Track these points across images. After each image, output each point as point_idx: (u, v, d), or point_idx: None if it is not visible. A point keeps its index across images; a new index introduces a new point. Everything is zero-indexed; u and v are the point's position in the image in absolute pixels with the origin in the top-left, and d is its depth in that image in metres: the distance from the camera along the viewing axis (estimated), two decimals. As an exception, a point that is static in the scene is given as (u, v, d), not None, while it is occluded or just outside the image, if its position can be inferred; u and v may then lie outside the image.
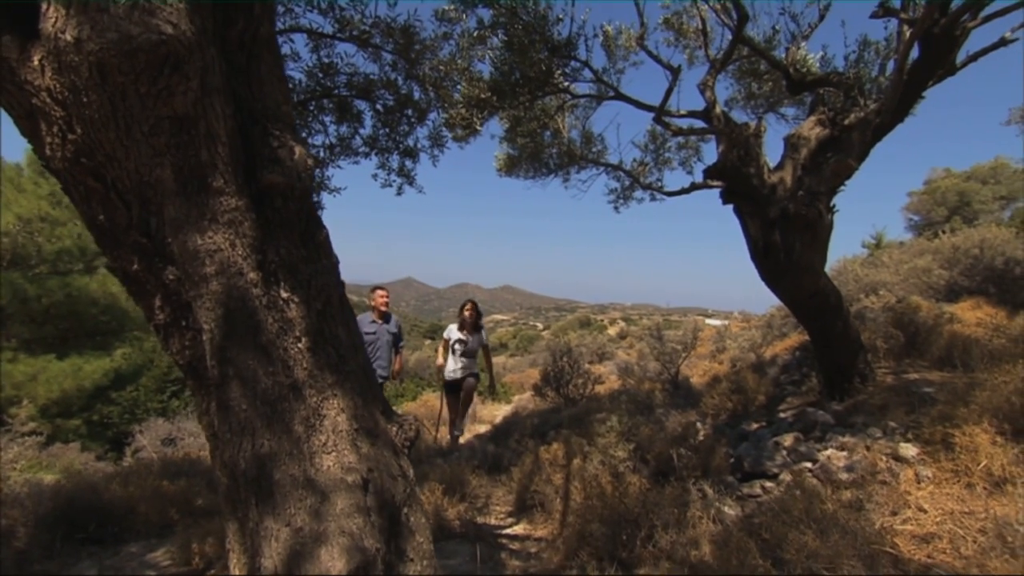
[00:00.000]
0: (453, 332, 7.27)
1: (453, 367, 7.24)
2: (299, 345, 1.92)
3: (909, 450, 4.23)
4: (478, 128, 5.10)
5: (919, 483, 3.91)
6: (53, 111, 1.39)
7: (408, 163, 5.67)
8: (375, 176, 5.58)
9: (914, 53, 4.16)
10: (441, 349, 7.40)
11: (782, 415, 6.81)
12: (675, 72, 5.05)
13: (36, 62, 1.36)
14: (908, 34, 4.69)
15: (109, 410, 16.64)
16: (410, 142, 5.56)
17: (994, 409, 4.01)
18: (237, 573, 1.85)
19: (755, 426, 6.80)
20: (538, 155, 7.95)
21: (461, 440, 7.95)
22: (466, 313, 7.29)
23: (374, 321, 6.81)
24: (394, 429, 2.27)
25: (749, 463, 5.37)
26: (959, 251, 10.11)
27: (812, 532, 2.99)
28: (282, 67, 1.92)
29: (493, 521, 5.39)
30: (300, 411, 1.88)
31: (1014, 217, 15.97)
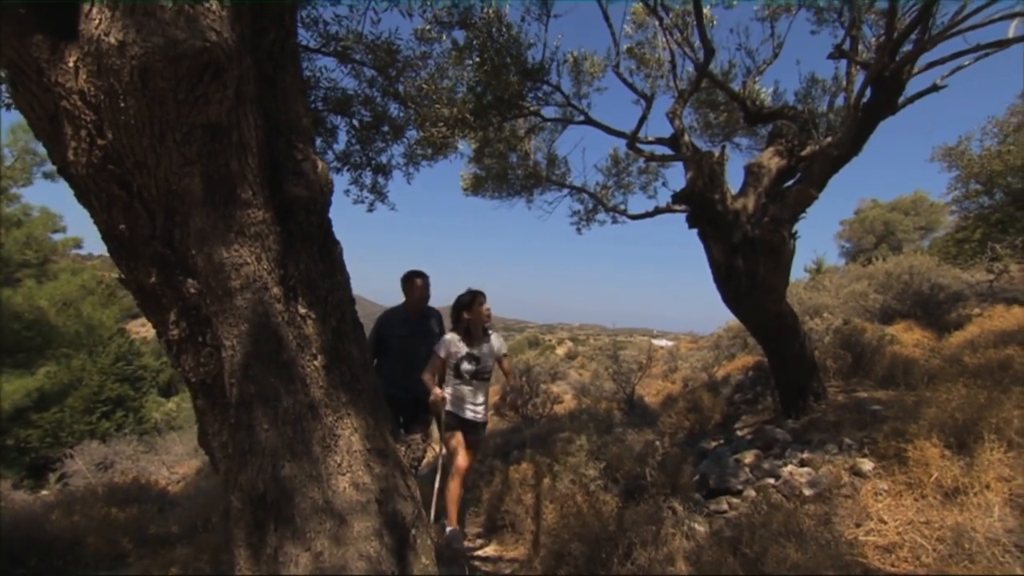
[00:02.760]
0: (456, 345, 4.50)
1: (471, 401, 4.56)
2: (315, 363, 1.89)
3: (867, 465, 4.45)
4: (457, 147, 5.13)
5: (877, 496, 4.12)
6: (83, 115, 1.33)
7: (381, 180, 5.62)
8: (347, 192, 5.50)
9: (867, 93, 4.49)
10: (432, 373, 4.43)
11: (739, 433, 7.05)
12: (648, 99, 5.26)
13: (71, 64, 1.30)
14: (858, 74, 5.08)
15: (28, 433, 15.42)
16: (384, 159, 5.51)
17: (941, 424, 4.29)
18: (247, 603, 1.76)
19: (714, 444, 7.00)
20: (504, 176, 8.04)
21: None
22: (484, 310, 4.56)
23: (407, 319, 4.75)
24: (402, 449, 2.24)
25: (714, 480, 5.51)
26: (891, 277, 10.84)
27: (793, 545, 3.10)
28: (303, 81, 1.90)
29: (464, 544, 5.30)
30: (317, 431, 1.83)
31: (932, 246, 17.23)
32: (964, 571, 2.97)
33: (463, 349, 4.51)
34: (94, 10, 1.25)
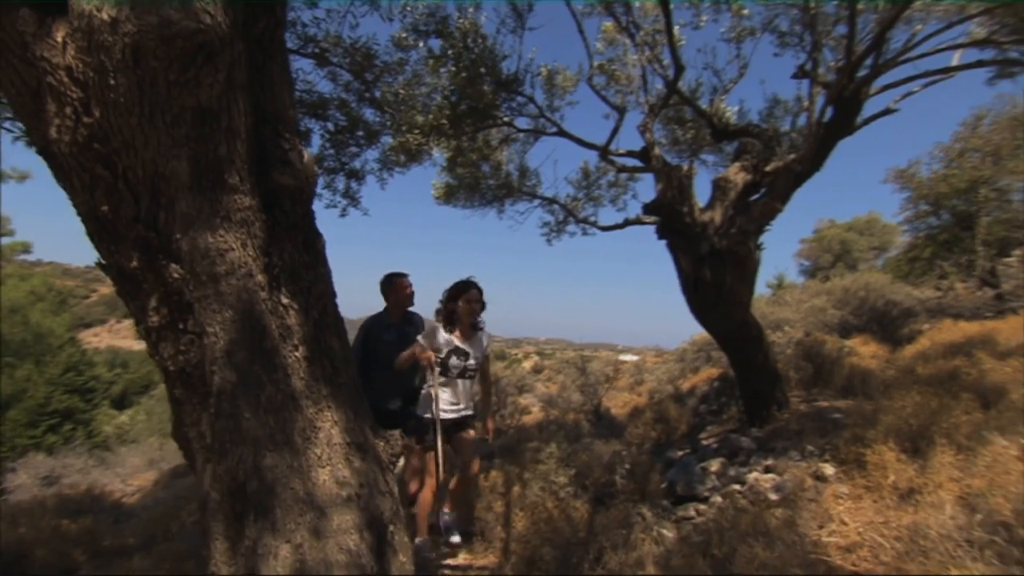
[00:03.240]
0: (441, 336, 4.01)
1: (451, 399, 4.09)
2: (296, 354, 1.88)
3: (828, 469, 4.60)
4: (432, 153, 5.16)
5: (838, 499, 4.26)
6: (70, 91, 1.31)
7: (354, 185, 5.60)
8: (319, 196, 5.46)
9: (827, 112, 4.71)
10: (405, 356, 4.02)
11: (705, 442, 7.17)
12: (621, 111, 5.40)
13: (59, 39, 1.28)
14: (819, 94, 5.32)
15: (-39, 447, 14.62)
16: (357, 164, 5.50)
17: (896, 430, 4.47)
18: (222, 597, 1.72)
19: (680, 453, 7.10)
20: (477, 186, 8.10)
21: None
22: (470, 305, 4.06)
23: (392, 325, 4.48)
24: (381, 444, 2.23)
25: (681, 487, 5.59)
26: (848, 292, 11.26)
27: (760, 544, 3.18)
28: (290, 73, 1.91)
29: (432, 553, 5.23)
30: (298, 423, 1.82)
31: (886, 265, 17.98)
32: (919, 567, 3.09)
33: (452, 342, 3.99)
34: (86, -14, 1.24)
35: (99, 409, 25.60)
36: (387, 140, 5.60)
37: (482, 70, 5.93)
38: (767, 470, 5.26)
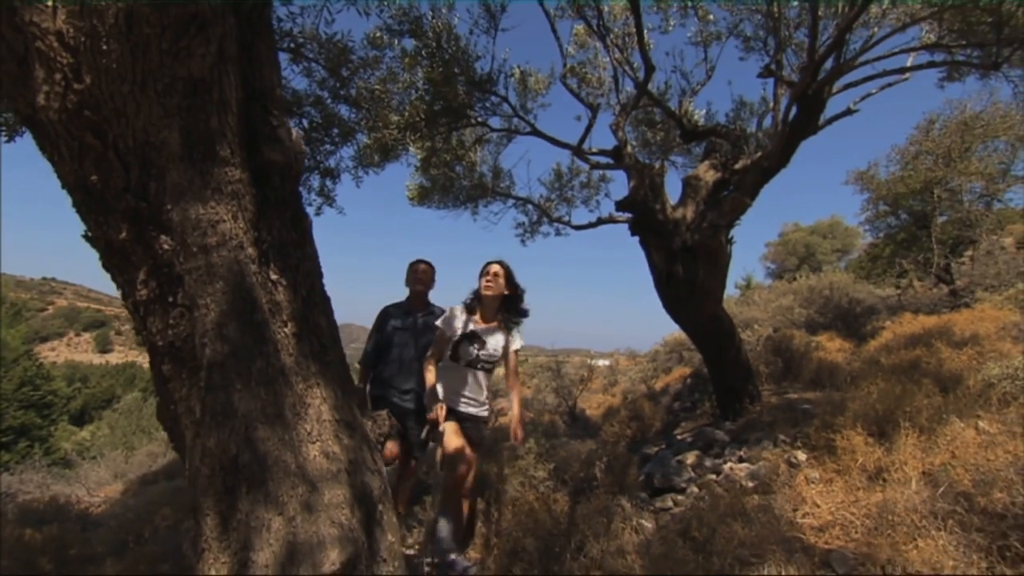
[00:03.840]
0: (459, 319, 3.51)
1: (469, 392, 3.53)
2: (285, 330, 1.88)
3: (800, 456, 4.73)
4: (409, 148, 5.17)
5: (810, 483, 4.39)
6: (60, 57, 1.31)
7: (329, 183, 5.58)
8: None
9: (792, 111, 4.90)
10: (433, 360, 3.49)
11: (680, 437, 7.30)
12: (594, 109, 5.50)
13: (49, 2, 1.28)
14: (784, 94, 5.52)
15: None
16: (332, 162, 5.48)
17: (864, 416, 4.64)
18: (213, 574, 1.70)
19: (655, 449, 7.22)
20: (451, 187, 8.13)
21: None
22: (485, 280, 3.53)
23: (408, 312, 4.22)
24: (369, 424, 2.24)
25: (659, 479, 5.67)
26: (814, 292, 11.60)
27: (739, 523, 3.27)
28: (277, 53, 1.92)
29: (412, 551, 5.21)
30: (288, 397, 1.82)
31: (849, 267, 18.56)
32: (887, 539, 3.21)
33: (467, 325, 3.46)
34: (80, -50, 1.25)
35: (57, 425, 24.66)
36: (362, 139, 5.58)
37: (456, 70, 5.98)
38: (741, 460, 5.39)
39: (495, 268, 3.53)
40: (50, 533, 4.50)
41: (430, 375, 3.39)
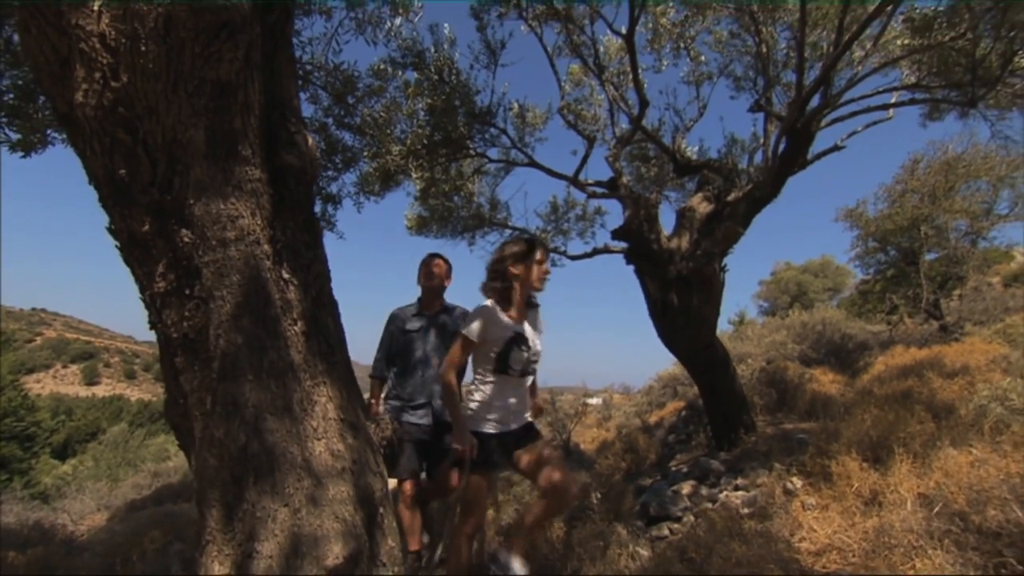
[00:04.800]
0: (499, 317, 2.77)
1: (521, 405, 2.91)
2: (295, 328, 1.94)
3: (796, 483, 4.73)
4: (411, 174, 5.31)
5: (806, 509, 4.38)
6: (100, 57, 1.41)
7: (330, 209, 5.69)
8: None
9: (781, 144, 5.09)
10: (455, 368, 2.75)
11: (675, 468, 7.26)
12: (590, 140, 5.69)
13: (95, 7, 1.38)
14: (774, 130, 5.74)
15: None
16: (334, 188, 5.61)
17: (858, 441, 4.67)
18: (216, 566, 1.71)
19: (650, 481, 7.17)
20: (449, 217, 8.28)
21: None
22: (541, 269, 2.91)
23: (421, 314, 3.74)
24: (372, 427, 2.27)
25: (655, 508, 5.64)
26: (807, 327, 11.72)
27: (737, 542, 3.26)
28: (295, 66, 2.04)
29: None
30: (296, 392, 1.87)
31: (841, 305, 18.75)
32: (885, 560, 3.21)
33: (509, 327, 2.73)
34: (126, -40, 1.36)
35: (39, 458, 24.09)
36: (365, 166, 5.73)
37: (457, 102, 6.19)
38: (737, 488, 5.37)
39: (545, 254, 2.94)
40: (35, 555, 4.41)
41: (451, 386, 2.69)
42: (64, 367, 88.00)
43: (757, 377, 8.14)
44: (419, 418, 3.47)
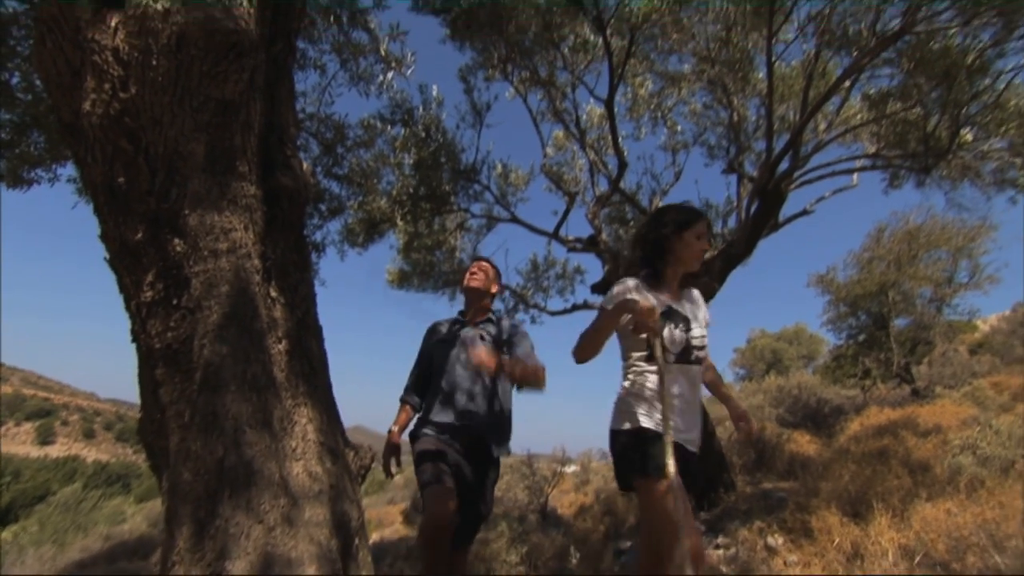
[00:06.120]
0: (644, 292, 2.16)
1: (689, 407, 2.20)
2: (279, 346, 1.94)
3: (777, 540, 4.66)
4: (397, 224, 5.41)
5: (788, 566, 4.30)
6: (112, 69, 1.48)
7: (314, 257, 5.73)
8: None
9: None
10: (590, 334, 2.15)
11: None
12: (571, 197, 5.88)
13: (112, 24, 1.47)
14: (748, 190, 6.02)
15: None
16: (319, 236, 5.67)
17: (837, 497, 4.65)
18: (183, 585, 1.63)
19: (629, 543, 6.98)
20: (430, 271, 8.37)
21: None
22: (700, 243, 2.26)
23: (460, 322, 2.95)
24: (351, 455, 2.24)
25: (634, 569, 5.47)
26: (783, 391, 11.81)
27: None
28: (294, 96, 2.14)
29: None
30: (276, 410, 1.85)
31: (816, 372, 18.98)
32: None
33: (664, 301, 2.17)
34: (146, -18, 1.46)
35: (-21, 523, 22.41)
36: (350, 216, 5.83)
37: (443, 159, 6.41)
38: (718, 547, 5.25)
39: (707, 229, 2.28)
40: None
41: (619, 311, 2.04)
42: (17, 425, 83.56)
43: (735, 437, 8.12)
44: (441, 417, 2.56)
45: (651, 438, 2.01)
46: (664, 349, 2.03)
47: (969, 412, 6.77)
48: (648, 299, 2.06)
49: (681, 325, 2.16)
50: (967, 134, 5.06)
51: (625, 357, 2.26)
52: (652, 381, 2.09)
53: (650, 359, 2.10)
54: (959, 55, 4.28)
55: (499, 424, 2.68)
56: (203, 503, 1.67)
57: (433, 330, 3.01)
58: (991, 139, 5.00)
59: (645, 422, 2.06)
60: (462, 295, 3.16)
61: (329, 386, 2.18)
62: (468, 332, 2.80)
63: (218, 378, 1.68)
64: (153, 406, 1.84)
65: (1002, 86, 4.59)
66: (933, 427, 6.31)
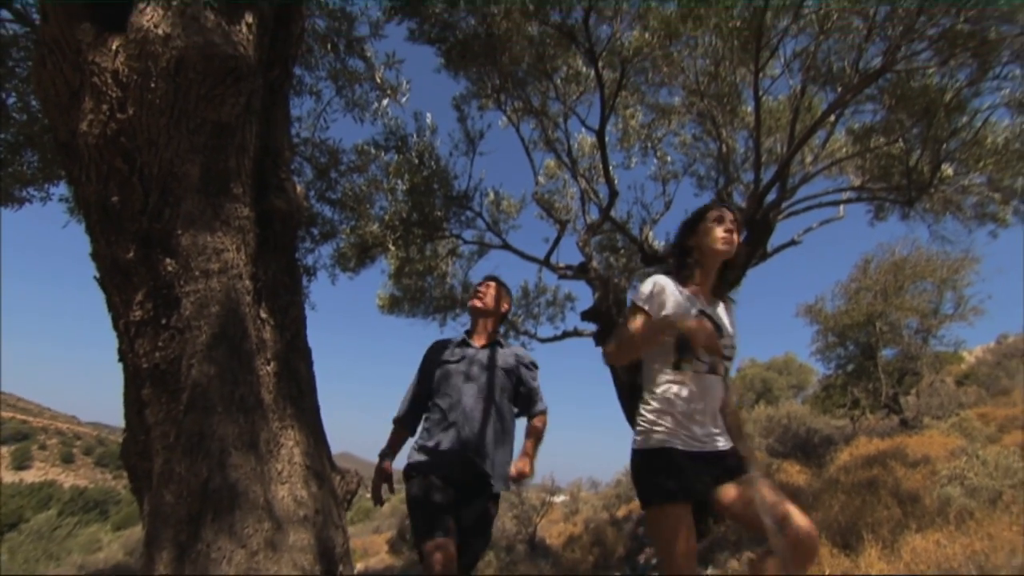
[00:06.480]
0: (675, 294, 1.96)
1: (700, 417, 1.92)
2: (268, 368, 1.94)
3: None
4: (389, 249, 5.42)
5: (779, 599, 4.25)
6: (111, 90, 1.50)
7: (304, 280, 5.73)
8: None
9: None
10: (631, 341, 1.93)
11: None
12: (562, 224, 5.94)
13: (113, 47, 1.50)
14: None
15: None
16: (310, 260, 5.68)
17: (828, 527, 4.63)
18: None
19: (618, 574, 6.89)
20: (421, 297, 8.37)
21: None
22: (723, 229, 1.99)
23: (464, 343, 2.77)
24: (337, 479, 2.21)
25: (623, 600, 5.40)
26: (773, 421, 11.80)
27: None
28: (290, 122, 2.18)
29: None
30: (263, 432, 1.84)
31: (805, 402, 18.98)
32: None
33: (694, 302, 2.01)
34: (148, 7, 1.49)
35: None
36: (342, 241, 5.85)
37: (435, 185, 6.48)
38: (709, 579, 5.19)
39: (733, 216, 2.08)
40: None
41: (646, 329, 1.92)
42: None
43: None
44: (441, 443, 2.40)
45: (660, 464, 1.87)
46: (677, 361, 1.89)
47: (957, 443, 6.80)
48: (666, 308, 1.92)
49: (716, 332, 1.92)
50: (948, 169, 5.20)
51: (646, 369, 2.03)
52: (674, 391, 1.91)
53: (677, 368, 1.92)
54: (937, 93, 4.42)
55: (502, 457, 2.51)
56: (185, 526, 1.65)
57: (436, 349, 2.82)
58: (970, 174, 5.14)
59: (657, 440, 1.90)
60: (456, 318, 3.18)
61: (317, 409, 2.17)
62: (476, 354, 2.65)
63: (205, 399, 1.67)
64: (138, 427, 1.82)
65: (979, 123, 4.74)
66: (922, 458, 6.32)
